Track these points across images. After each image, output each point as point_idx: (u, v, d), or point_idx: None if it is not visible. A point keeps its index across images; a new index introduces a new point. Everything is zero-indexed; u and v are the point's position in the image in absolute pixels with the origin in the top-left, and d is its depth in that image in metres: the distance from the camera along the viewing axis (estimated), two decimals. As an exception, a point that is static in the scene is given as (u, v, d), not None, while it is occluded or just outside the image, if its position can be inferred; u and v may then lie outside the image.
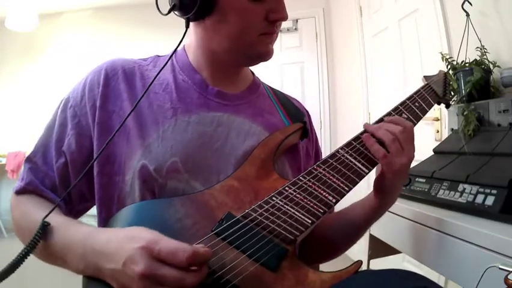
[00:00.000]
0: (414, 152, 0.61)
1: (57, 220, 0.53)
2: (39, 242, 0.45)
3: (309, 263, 0.70)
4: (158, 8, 0.59)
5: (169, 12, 0.58)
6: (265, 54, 0.64)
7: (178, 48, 0.69)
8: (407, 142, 0.60)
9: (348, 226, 0.70)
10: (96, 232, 0.49)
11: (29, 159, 0.62)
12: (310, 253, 0.70)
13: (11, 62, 3.89)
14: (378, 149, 0.59)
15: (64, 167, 0.60)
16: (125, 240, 0.43)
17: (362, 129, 0.65)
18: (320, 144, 0.81)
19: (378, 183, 0.63)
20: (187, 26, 0.61)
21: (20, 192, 0.60)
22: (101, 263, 0.44)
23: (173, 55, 0.68)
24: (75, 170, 0.60)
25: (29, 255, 0.44)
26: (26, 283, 2.09)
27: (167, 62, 0.61)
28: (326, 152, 0.66)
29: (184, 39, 0.62)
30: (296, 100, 0.80)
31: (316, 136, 0.79)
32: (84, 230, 0.50)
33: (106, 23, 3.83)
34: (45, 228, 0.46)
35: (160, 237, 0.42)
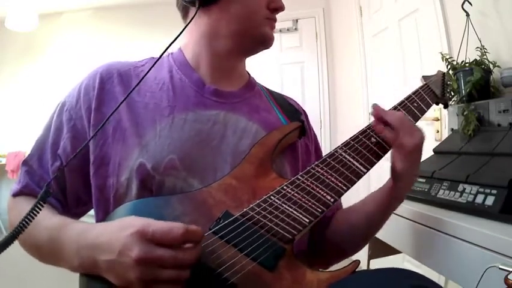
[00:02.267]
0: (423, 133, 0.62)
1: (53, 219, 0.53)
2: (41, 208, 0.44)
3: (324, 264, 0.71)
4: None
5: None
6: (269, 37, 0.67)
7: (175, 49, 0.69)
8: (413, 124, 0.63)
9: (365, 220, 0.68)
10: (90, 227, 0.49)
11: (25, 163, 0.62)
12: (324, 253, 0.70)
13: (11, 62, 3.89)
14: (390, 133, 0.61)
15: (59, 170, 0.60)
16: (117, 230, 0.43)
17: (361, 129, 0.66)
18: (320, 144, 0.81)
19: (394, 170, 0.62)
20: (198, 9, 0.62)
21: (16, 195, 0.61)
22: (96, 256, 0.44)
23: (170, 55, 0.69)
24: (71, 173, 0.60)
25: (28, 225, 0.43)
26: (27, 284, 2.09)
27: (164, 51, 0.61)
28: (325, 152, 0.65)
29: (181, 38, 0.61)
30: (292, 99, 0.81)
31: (314, 133, 0.79)
32: (78, 227, 0.50)
33: (106, 23, 3.83)
34: (47, 195, 0.45)
35: (152, 221, 0.43)
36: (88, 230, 0.48)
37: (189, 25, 0.65)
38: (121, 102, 0.55)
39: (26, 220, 0.42)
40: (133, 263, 0.40)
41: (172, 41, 0.60)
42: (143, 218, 0.44)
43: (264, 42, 0.67)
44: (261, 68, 2.91)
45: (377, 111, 0.64)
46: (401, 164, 0.60)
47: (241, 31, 0.64)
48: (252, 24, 0.64)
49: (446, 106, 0.87)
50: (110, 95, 0.61)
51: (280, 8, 0.67)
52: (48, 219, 0.52)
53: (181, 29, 0.61)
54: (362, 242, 0.72)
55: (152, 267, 0.40)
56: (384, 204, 0.65)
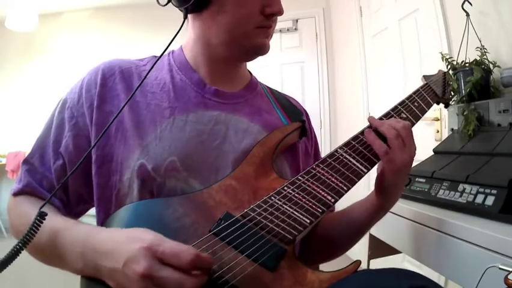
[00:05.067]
0: (415, 150, 0.61)
1: (56, 220, 0.53)
2: (36, 233, 0.44)
3: (310, 263, 0.70)
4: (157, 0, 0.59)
5: (167, 3, 0.59)
6: (261, 47, 0.63)
7: (175, 49, 0.69)
8: (409, 138, 0.60)
9: (349, 226, 0.69)
10: (96, 231, 0.48)
11: (26, 161, 0.61)
12: (311, 253, 0.70)
13: (11, 62, 3.89)
14: (380, 145, 0.59)
15: (62, 169, 0.60)
16: (127, 240, 0.43)
17: (362, 129, 0.65)
18: (320, 144, 0.81)
19: (379, 182, 0.62)
20: (185, 17, 0.62)
21: (17, 194, 0.60)
22: (100, 262, 0.44)
23: (170, 54, 0.69)
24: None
25: (25, 247, 0.43)
26: (27, 284, 2.09)
27: (161, 55, 0.61)
28: (325, 152, 0.65)
29: (180, 37, 0.62)
30: (294, 99, 0.80)
31: (315, 134, 0.79)
32: (84, 229, 0.49)
33: (106, 23, 3.83)
34: (42, 218, 0.45)
35: (163, 239, 0.42)
36: (93, 233, 0.48)
37: (188, 25, 0.64)
38: (121, 109, 0.54)
39: (23, 242, 0.42)
40: (137, 276, 0.39)
41: (165, 48, 0.60)
42: (155, 233, 0.43)
43: (257, 53, 0.64)
44: (261, 68, 2.91)
45: (372, 122, 0.63)
46: (386, 179, 0.59)
47: (231, 41, 0.62)
48: (242, 35, 0.61)
49: (447, 105, 0.87)
50: (112, 92, 0.61)
51: (278, 13, 0.61)
52: (51, 222, 0.52)
53: (176, 33, 0.61)
54: (348, 245, 0.71)
55: (154, 286, 0.39)
56: (371, 214, 0.66)
